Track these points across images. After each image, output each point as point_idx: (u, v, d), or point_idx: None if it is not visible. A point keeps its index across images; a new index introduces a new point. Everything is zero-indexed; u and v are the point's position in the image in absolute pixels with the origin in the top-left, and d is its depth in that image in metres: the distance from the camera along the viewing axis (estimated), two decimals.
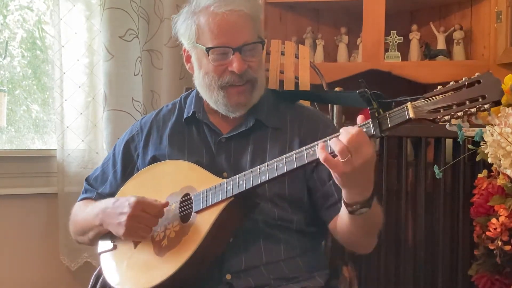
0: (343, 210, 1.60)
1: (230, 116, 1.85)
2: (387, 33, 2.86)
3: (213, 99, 1.84)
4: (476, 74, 1.34)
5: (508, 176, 2.05)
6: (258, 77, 1.83)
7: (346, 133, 1.43)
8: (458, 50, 2.93)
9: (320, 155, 1.45)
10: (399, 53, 2.91)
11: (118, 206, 1.75)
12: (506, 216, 2.06)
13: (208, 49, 1.77)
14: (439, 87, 1.38)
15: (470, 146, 2.22)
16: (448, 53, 2.93)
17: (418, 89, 2.93)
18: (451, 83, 1.36)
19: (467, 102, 1.32)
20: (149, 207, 1.72)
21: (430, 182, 2.64)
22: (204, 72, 1.82)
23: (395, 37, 2.93)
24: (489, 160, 2.05)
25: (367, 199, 1.53)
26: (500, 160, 1.99)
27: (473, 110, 1.31)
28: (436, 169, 2.07)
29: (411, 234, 2.66)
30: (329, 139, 1.47)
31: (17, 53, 2.85)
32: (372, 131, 1.43)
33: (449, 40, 2.97)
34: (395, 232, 2.62)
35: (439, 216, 2.59)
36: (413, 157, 2.74)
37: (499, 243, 2.06)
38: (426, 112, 1.36)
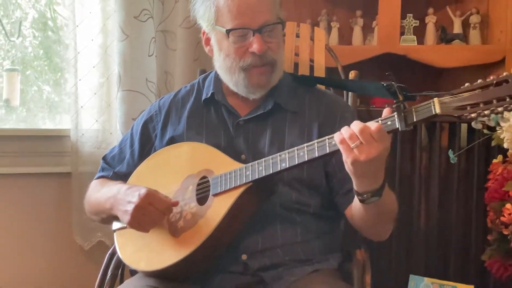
0: (356, 199, 1.61)
1: (250, 98, 1.85)
2: (403, 16, 2.82)
3: (233, 81, 1.83)
4: (504, 74, 1.33)
5: None
6: (278, 58, 1.82)
7: (358, 123, 1.45)
8: (474, 35, 2.90)
9: (337, 136, 1.47)
10: (415, 36, 2.88)
11: (128, 194, 1.75)
12: None
13: (228, 31, 1.76)
14: (466, 84, 1.38)
15: (485, 131, 2.22)
16: (464, 38, 2.90)
17: (434, 73, 2.92)
18: (479, 81, 1.35)
19: (494, 101, 1.32)
20: (158, 201, 1.70)
21: (444, 167, 2.63)
22: (225, 55, 1.81)
23: (411, 20, 2.90)
24: (505, 145, 2.05)
25: (377, 189, 1.54)
26: None
27: (500, 109, 1.31)
28: (450, 153, 2.07)
29: (424, 218, 2.66)
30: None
31: (29, 33, 2.84)
32: (397, 125, 1.43)
33: (465, 24, 2.93)
34: (408, 216, 2.61)
35: (452, 201, 2.59)
36: (427, 142, 2.72)
37: None
38: (453, 108, 1.36)
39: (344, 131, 1.46)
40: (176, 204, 1.74)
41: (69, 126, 2.63)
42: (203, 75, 2.04)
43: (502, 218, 2.09)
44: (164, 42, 2.72)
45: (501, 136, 2.07)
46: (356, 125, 1.45)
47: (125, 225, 1.78)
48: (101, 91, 2.66)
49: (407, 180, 2.63)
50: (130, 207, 1.70)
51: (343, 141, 1.46)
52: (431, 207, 2.63)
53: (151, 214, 1.69)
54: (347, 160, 1.47)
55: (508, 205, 2.08)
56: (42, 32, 2.86)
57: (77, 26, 2.59)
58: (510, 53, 2.67)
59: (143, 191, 1.70)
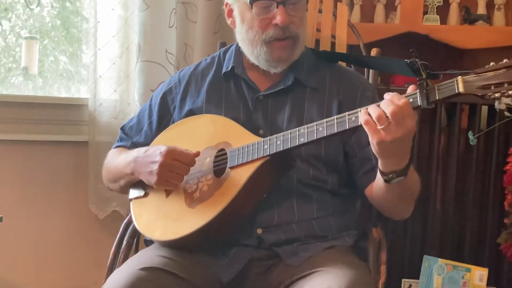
0: (379, 178, 1.60)
1: (271, 72, 1.83)
2: None
3: (255, 54, 1.82)
4: None
5: None
6: (300, 33, 1.81)
7: (389, 103, 1.42)
8: (498, 16, 2.85)
9: (362, 117, 1.45)
10: (438, 16, 2.85)
11: (150, 155, 1.76)
12: None
13: (252, 2, 1.75)
14: (491, 63, 1.36)
15: (507, 114, 2.19)
16: (488, 19, 2.86)
17: (456, 54, 2.88)
18: (504, 60, 1.33)
19: None
20: (181, 155, 1.72)
21: (463, 149, 2.61)
22: (248, 27, 1.80)
23: None
24: None
25: (403, 168, 1.52)
26: None
27: None
28: (470, 135, 2.05)
29: (440, 199, 2.65)
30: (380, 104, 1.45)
31: (47, 3, 2.84)
32: (419, 102, 1.42)
33: (490, 5, 2.89)
34: (424, 197, 2.60)
35: (470, 182, 2.57)
36: (446, 123, 2.70)
37: None
38: (476, 87, 1.35)
39: (372, 111, 1.43)
40: (197, 154, 1.75)
41: (87, 96, 2.63)
42: (224, 48, 2.03)
43: None
44: (184, 14, 2.70)
45: None
46: (387, 106, 1.42)
47: (143, 193, 1.80)
48: (120, 61, 2.66)
49: (425, 161, 2.61)
50: (155, 167, 1.72)
51: (368, 122, 1.44)
52: (448, 188, 2.62)
53: (177, 169, 1.72)
54: (373, 141, 1.46)
55: None
56: (61, 2, 2.85)
57: None
58: None
59: (163, 148, 1.72)
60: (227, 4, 1.89)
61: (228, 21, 1.92)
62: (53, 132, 2.66)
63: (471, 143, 2.07)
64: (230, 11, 1.89)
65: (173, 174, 1.72)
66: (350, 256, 1.74)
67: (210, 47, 2.67)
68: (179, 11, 2.67)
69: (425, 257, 2.37)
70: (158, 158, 1.71)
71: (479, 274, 2.29)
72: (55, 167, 2.67)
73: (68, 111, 2.69)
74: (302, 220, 1.75)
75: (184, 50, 2.72)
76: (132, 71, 2.66)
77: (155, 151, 1.74)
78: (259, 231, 1.72)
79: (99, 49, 2.61)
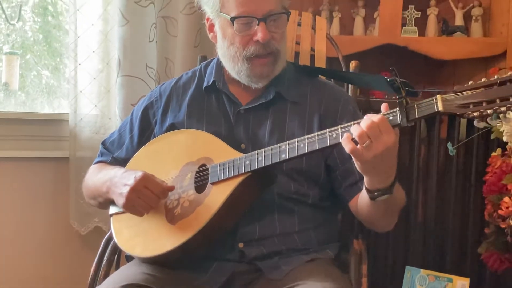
0: (364, 194, 1.61)
1: (252, 87, 1.84)
2: (404, 8, 2.82)
3: (236, 70, 1.82)
4: (508, 73, 1.32)
5: None
6: (281, 49, 1.81)
7: (367, 119, 1.44)
8: (476, 27, 2.89)
9: (347, 146, 1.45)
10: (416, 28, 2.88)
11: (125, 177, 1.75)
12: None
13: (233, 19, 1.75)
14: (470, 82, 1.37)
15: (484, 124, 2.21)
16: (466, 30, 2.89)
17: (435, 65, 2.91)
18: (483, 79, 1.35)
19: (498, 101, 1.31)
20: (153, 185, 1.70)
21: (443, 159, 2.63)
22: (229, 43, 1.80)
23: (413, 11, 2.89)
24: (504, 139, 2.04)
25: (389, 186, 1.54)
26: None
27: (503, 109, 1.30)
28: (449, 146, 2.06)
29: (421, 210, 2.66)
30: (353, 124, 1.47)
31: (29, 18, 2.83)
32: (399, 120, 1.43)
33: (467, 17, 2.93)
34: (405, 207, 2.58)
35: (450, 193, 2.59)
36: (426, 134, 2.72)
37: (511, 222, 2.06)
38: (455, 106, 1.36)
39: (354, 130, 1.44)
40: (172, 188, 1.74)
41: (68, 111, 2.62)
42: (205, 61, 2.03)
43: (499, 212, 2.09)
44: (165, 28, 2.71)
45: (501, 130, 2.06)
46: (364, 121, 1.44)
47: (121, 209, 1.78)
48: (100, 76, 2.65)
49: (405, 172, 2.62)
50: (125, 190, 1.70)
51: (354, 150, 1.44)
52: (429, 199, 2.63)
53: (146, 197, 1.70)
54: (357, 162, 1.47)
55: (506, 199, 2.08)
56: (42, 17, 2.85)
57: (78, 10, 2.58)
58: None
59: (139, 174, 1.70)
60: (208, 18, 1.90)
61: (210, 36, 1.93)
62: (34, 148, 2.64)
63: (451, 153, 2.08)
64: (212, 26, 1.89)
65: (140, 201, 1.70)
66: (332, 269, 1.74)
67: (191, 61, 2.68)
68: (159, 26, 2.67)
69: (407, 267, 2.37)
70: (131, 182, 1.70)
71: (461, 284, 2.29)
72: (35, 183, 2.65)
73: (49, 126, 2.68)
74: (284, 234, 1.75)
75: (165, 64, 2.72)
76: (112, 85, 2.65)
77: (131, 174, 1.73)
78: (240, 245, 1.72)
79: (79, 64, 2.60)
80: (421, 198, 2.66)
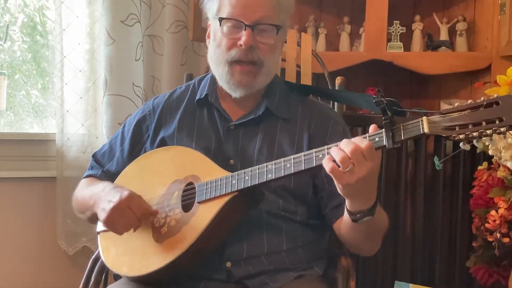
0: (347, 217, 1.60)
1: (232, 96, 1.84)
2: (390, 23, 2.84)
3: (218, 73, 1.82)
4: (495, 95, 1.32)
5: (509, 168, 2.05)
6: (266, 61, 1.79)
7: (349, 143, 1.43)
8: (460, 42, 2.91)
9: (327, 165, 1.45)
10: (402, 43, 2.90)
11: (111, 194, 1.72)
12: (505, 209, 2.06)
13: (220, 19, 1.76)
14: (456, 104, 1.37)
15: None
16: (451, 45, 2.92)
17: (420, 79, 2.93)
18: (469, 101, 1.35)
19: (484, 123, 1.30)
20: (137, 206, 1.68)
21: (430, 173, 2.64)
22: (217, 45, 1.81)
23: (398, 27, 2.91)
24: (490, 152, 2.05)
25: (370, 208, 1.54)
26: (501, 152, 1.99)
27: (489, 131, 1.30)
28: (436, 160, 2.07)
29: (410, 225, 2.67)
30: (339, 145, 1.46)
31: (18, 38, 2.84)
32: (385, 142, 1.42)
33: (452, 31, 2.95)
34: (394, 222, 2.61)
35: (437, 207, 2.60)
36: (413, 148, 2.73)
37: (498, 235, 2.07)
38: (441, 128, 1.35)
39: (335, 154, 1.44)
40: (155, 213, 1.73)
41: (55, 131, 2.62)
42: (200, 76, 2.03)
43: (487, 225, 2.10)
44: (151, 47, 2.72)
45: (486, 143, 2.07)
46: (347, 146, 1.43)
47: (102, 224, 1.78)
48: (87, 95, 2.66)
49: (393, 187, 2.63)
50: (108, 206, 1.68)
51: (334, 170, 1.43)
52: (416, 213, 2.64)
53: (128, 217, 1.67)
54: (338, 184, 1.46)
55: (493, 212, 2.09)
56: (31, 37, 2.86)
57: (64, 30, 2.60)
58: (496, 60, 2.69)
59: (125, 193, 1.68)
60: (209, 25, 1.90)
61: (206, 42, 1.92)
62: (21, 168, 2.64)
63: (437, 168, 2.09)
64: (209, 32, 1.90)
65: (121, 220, 1.68)
66: (319, 285, 1.73)
67: (177, 79, 2.69)
68: (145, 44, 2.69)
69: (396, 283, 2.36)
70: (115, 199, 1.67)
71: None
72: (23, 204, 2.65)
73: (36, 146, 2.68)
74: (272, 252, 1.74)
75: (152, 83, 2.73)
76: (99, 105, 2.66)
77: (117, 191, 1.71)
78: (228, 264, 1.71)
79: (66, 83, 2.61)
80: (409, 213, 2.67)
